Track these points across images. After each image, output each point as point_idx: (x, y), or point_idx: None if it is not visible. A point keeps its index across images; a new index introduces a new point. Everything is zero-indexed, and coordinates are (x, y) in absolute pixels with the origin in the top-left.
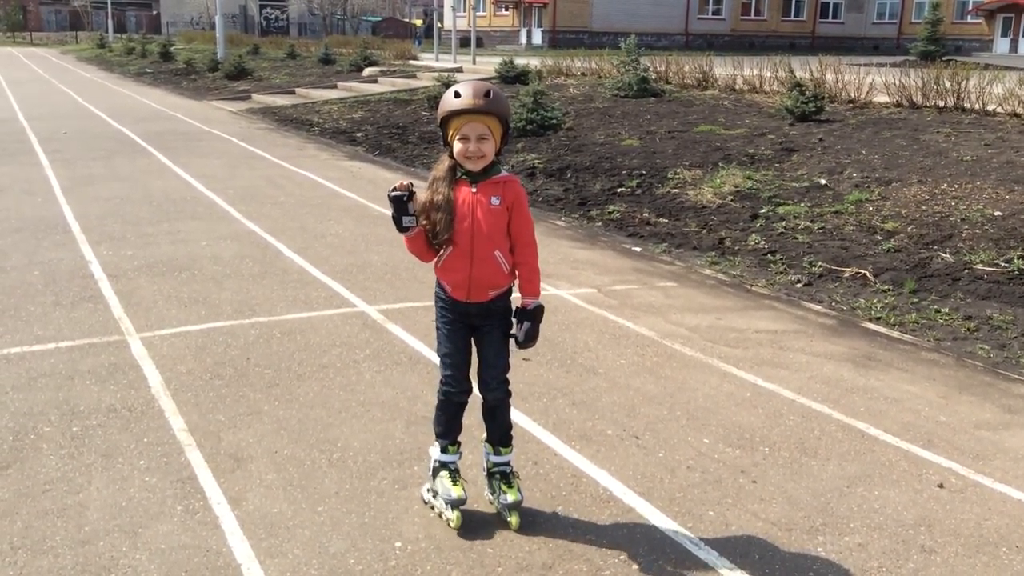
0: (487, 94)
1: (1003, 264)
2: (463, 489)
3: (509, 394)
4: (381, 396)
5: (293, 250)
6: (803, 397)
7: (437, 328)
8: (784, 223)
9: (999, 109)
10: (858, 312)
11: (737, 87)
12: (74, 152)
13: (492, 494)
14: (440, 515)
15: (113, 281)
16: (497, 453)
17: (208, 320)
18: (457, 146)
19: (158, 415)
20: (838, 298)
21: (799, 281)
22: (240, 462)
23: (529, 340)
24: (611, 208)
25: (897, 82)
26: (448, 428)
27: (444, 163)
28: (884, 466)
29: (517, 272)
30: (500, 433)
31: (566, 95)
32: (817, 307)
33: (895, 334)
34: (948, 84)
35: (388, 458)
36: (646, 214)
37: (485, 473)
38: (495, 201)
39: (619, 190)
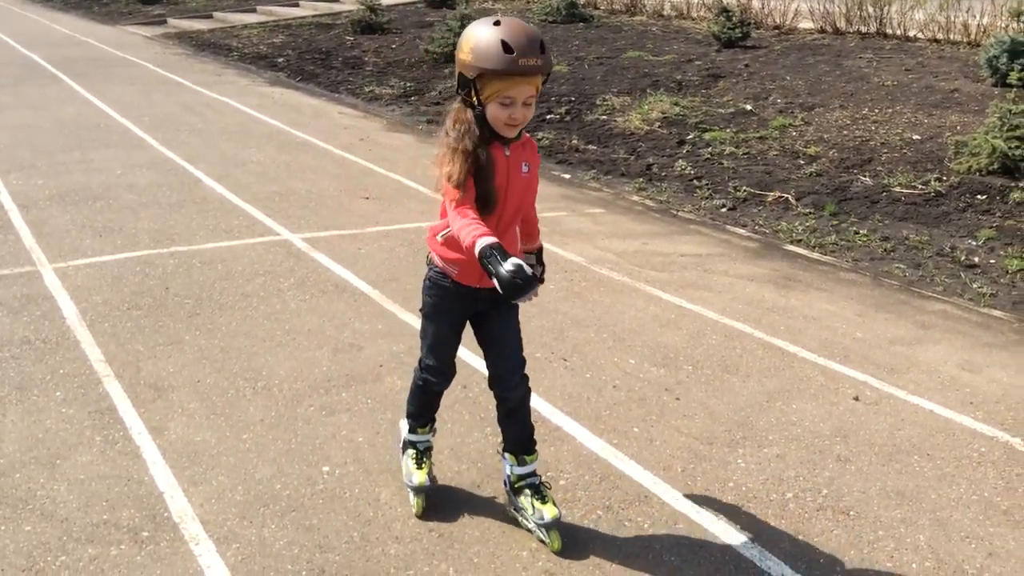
0: (542, 48)
1: (920, 186)
2: (427, 474)
3: (530, 389)
4: (307, 324)
5: (213, 178)
6: (726, 317)
7: (426, 315)
8: (710, 149)
9: (919, 35)
10: (780, 235)
11: (665, 13)
12: None
13: (518, 511)
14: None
15: (24, 211)
16: (522, 463)
17: (124, 250)
18: (496, 110)
19: (74, 346)
20: (761, 222)
21: (724, 206)
22: (161, 392)
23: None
24: (540, 135)
25: (821, 8)
26: (423, 411)
27: (467, 115)
28: (802, 381)
29: (525, 224)
30: (524, 439)
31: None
32: (741, 231)
33: (815, 255)
34: (871, 10)
35: (315, 385)
36: (575, 141)
37: (508, 488)
38: (525, 169)
39: (548, 117)
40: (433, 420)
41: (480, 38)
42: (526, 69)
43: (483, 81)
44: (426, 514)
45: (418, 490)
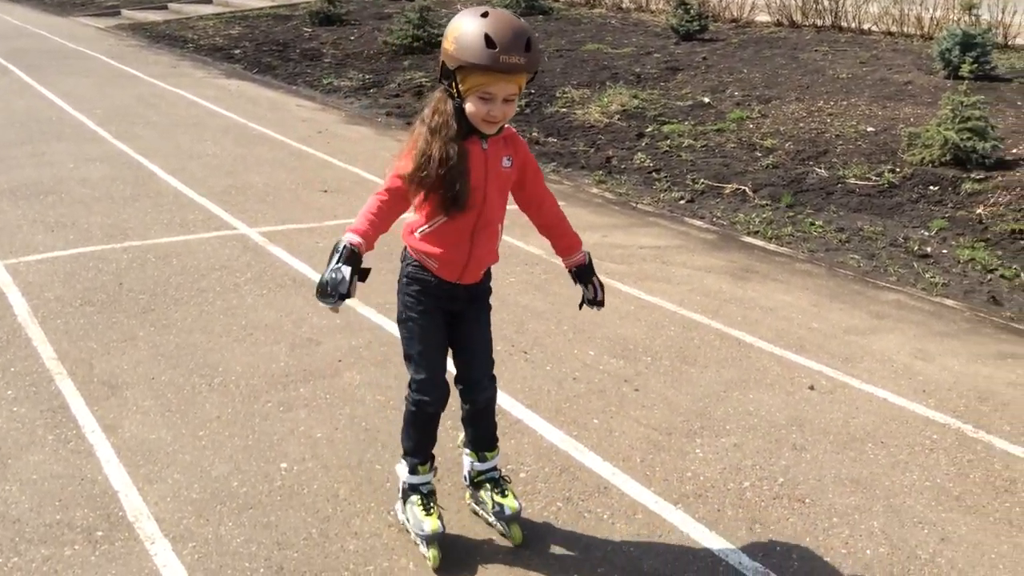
0: (528, 46)
1: (874, 178)
2: (439, 519)
3: (497, 389)
4: (264, 319)
5: (168, 171)
6: (684, 309)
7: (405, 318)
8: (669, 141)
9: (874, 28)
10: (737, 227)
11: (624, 5)
12: None
13: (478, 504)
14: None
15: None
16: (483, 459)
17: (77, 245)
18: (476, 105)
19: (25, 344)
20: (719, 214)
21: (682, 198)
22: (115, 389)
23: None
24: None
25: (778, 1)
26: (420, 444)
27: (447, 107)
28: (759, 371)
29: (552, 230)
30: (487, 437)
31: (453, 11)
32: (699, 223)
33: (772, 247)
34: (826, 3)
35: (272, 381)
36: (535, 133)
37: (468, 482)
38: (506, 163)
39: None
40: (433, 458)
41: (465, 30)
42: (507, 66)
43: (463, 74)
44: (387, 512)
45: (431, 539)
